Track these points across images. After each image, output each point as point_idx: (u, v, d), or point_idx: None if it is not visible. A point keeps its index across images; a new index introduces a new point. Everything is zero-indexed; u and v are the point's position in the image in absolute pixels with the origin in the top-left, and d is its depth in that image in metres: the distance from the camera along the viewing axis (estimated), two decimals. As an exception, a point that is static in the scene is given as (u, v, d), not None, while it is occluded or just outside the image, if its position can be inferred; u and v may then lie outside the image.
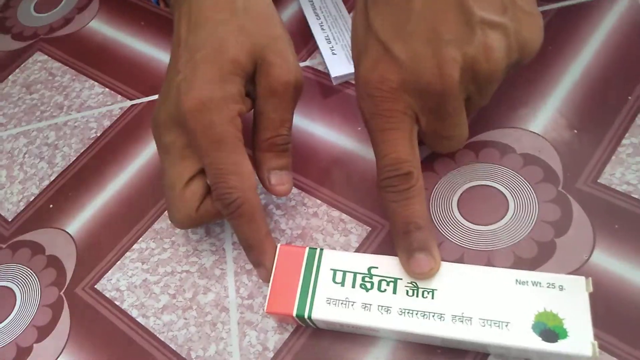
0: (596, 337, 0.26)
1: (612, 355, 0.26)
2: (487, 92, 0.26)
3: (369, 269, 0.27)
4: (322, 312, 0.26)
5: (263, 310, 0.30)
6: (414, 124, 0.26)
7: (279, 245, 0.28)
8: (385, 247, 0.30)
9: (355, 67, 0.28)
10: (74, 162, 0.38)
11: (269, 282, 0.28)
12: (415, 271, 0.26)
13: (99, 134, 0.39)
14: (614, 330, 0.26)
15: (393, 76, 0.25)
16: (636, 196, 0.29)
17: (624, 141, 0.31)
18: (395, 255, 0.29)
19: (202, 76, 0.27)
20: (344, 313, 0.26)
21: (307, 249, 0.28)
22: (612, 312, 0.27)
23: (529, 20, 0.25)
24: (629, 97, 0.33)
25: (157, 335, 0.30)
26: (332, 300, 0.26)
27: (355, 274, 0.27)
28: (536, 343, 0.24)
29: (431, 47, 0.24)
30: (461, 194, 0.31)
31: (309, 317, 0.26)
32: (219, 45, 0.28)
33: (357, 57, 0.27)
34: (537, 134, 0.32)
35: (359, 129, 0.35)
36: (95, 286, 0.33)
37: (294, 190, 0.33)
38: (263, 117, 0.29)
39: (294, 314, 0.26)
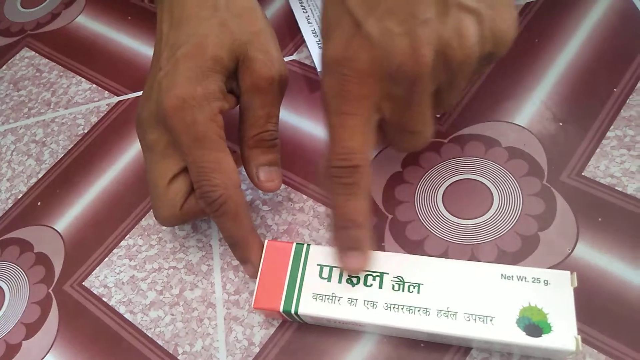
0: (578, 329, 0.26)
1: (593, 348, 0.26)
2: (457, 84, 0.25)
3: None
4: (309, 307, 0.26)
5: (249, 305, 0.30)
6: (375, 113, 0.25)
7: (266, 241, 0.28)
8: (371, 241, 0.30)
9: (323, 42, 0.26)
10: (61, 159, 0.38)
11: (256, 277, 0.28)
12: (345, 267, 0.26)
13: (86, 131, 0.39)
14: (596, 322, 0.26)
15: (363, 55, 0.24)
16: (620, 189, 0.29)
17: (608, 134, 0.31)
18: (382, 250, 0.30)
19: (183, 73, 0.27)
20: (330, 308, 0.26)
21: (294, 244, 0.28)
22: (594, 304, 0.27)
23: (504, 11, 0.24)
24: (615, 89, 0.32)
25: (144, 332, 0.30)
26: (318, 295, 0.26)
27: (342, 269, 0.27)
28: (520, 338, 0.24)
29: (406, 25, 0.23)
30: (446, 188, 0.31)
31: (296, 313, 0.26)
32: (200, 42, 0.27)
33: (326, 32, 0.26)
34: (523, 127, 0.32)
35: (345, 123, 0.35)
36: (83, 283, 0.33)
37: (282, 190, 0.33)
38: (249, 113, 0.29)
39: (281, 310, 0.27)
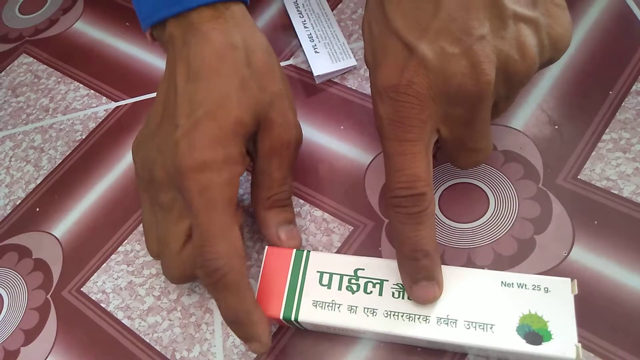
0: (578, 336, 0.26)
1: (590, 352, 0.26)
2: (515, 94, 0.24)
3: (355, 270, 0.27)
4: (309, 314, 0.26)
5: (246, 310, 0.30)
6: (433, 136, 0.24)
7: (266, 247, 0.28)
8: (367, 246, 0.31)
9: (370, 67, 0.25)
10: (59, 165, 0.38)
11: (264, 353, 0.27)
12: (418, 299, 0.25)
13: (84, 137, 0.39)
14: (592, 325, 0.26)
15: (420, 79, 0.23)
16: (615, 192, 0.29)
17: (604, 136, 0.31)
18: (378, 255, 0.30)
19: (204, 135, 0.26)
20: (330, 315, 0.26)
21: (294, 251, 0.28)
22: (590, 308, 0.27)
23: (560, 16, 0.23)
24: (610, 92, 0.32)
25: (142, 337, 0.30)
26: (318, 302, 0.26)
27: (341, 276, 0.27)
28: (520, 345, 0.24)
29: (461, 44, 0.22)
30: (442, 192, 0.31)
31: (296, 320, 0.26)
32: (222, 102, 0.26)
33: (374, 57, 0.25)
34: (518, 130, 0.32)
35: (342, 128, 0.35)
36: (82, 289, 0.33)
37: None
38: (265, 176, 0.29)
39: (281, 317, 0.27)
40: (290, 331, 0.29)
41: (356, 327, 0.26)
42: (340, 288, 0.27)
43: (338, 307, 0.26)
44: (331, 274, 0.27)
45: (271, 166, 0.28)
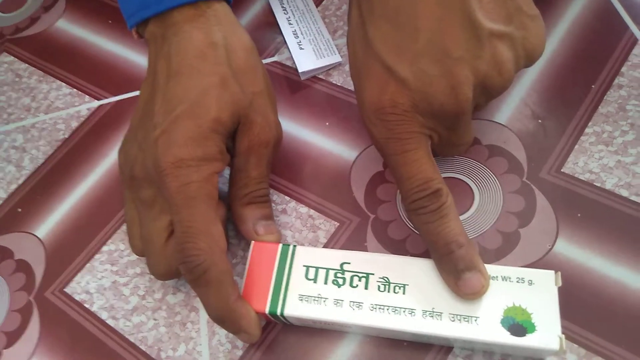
0: (562, 327, 0.26)
1: (574, 343, 0.26)
2: (493, 98, 0.26)
3: (342, 264, 0.27)
4: (295, 309, 0.26)
5: (232, 308, 0.30)
6: (429, 140, 0.25)
7: (252, 243, 0.28)
8: (354, 242, 0.30)
9: (356, 88, 0.26)
10: (42, 165, 0.38)
11: (255, 342, 0.27)
12: (467, 292, 0.24)
13: (67, 136, 0.39)
14: (576, 317, 0.27)
15: (403, 99, 0.24)
16: (598, 184, 0.30)
17: (587, 130, 0.31)
18: (364, 249, 0.30)
19: (182, 133, 0.26)
20: (316, 309, 0.26)
21: (281, 245, 0.28)
22: (574, 299, 0.27)
23: (534, 25, 0.24)
24: (592, 86, 0.33)
25: (127, 337, 0.30)
26: (304, 297, 0.26)
27: (327, 270, 0.27)
28: (504, 337, 0.24)
29: (440, 66, 0.23)
30: (427, 187, 0.31)
31: (282, 314, 0.26)
32: (201, 101, 0.26)
33: (358, 78, 0.26)
34: (503, 124, 0.33)
35: (327, 124, 0.35)
36: (65, 289, 0.32)
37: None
38: (242, 174, 0.29)
39: (267, 312, 0.26)
40: (276, 328, 0.29)
41: (342, 320, 0.26)
42: (326, 282, 0.27)
43: (324, 301, 0.26)
44: (317, 268, 0.27)
45: (249, 165, 0.28)
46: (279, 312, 0.26)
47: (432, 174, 0.25)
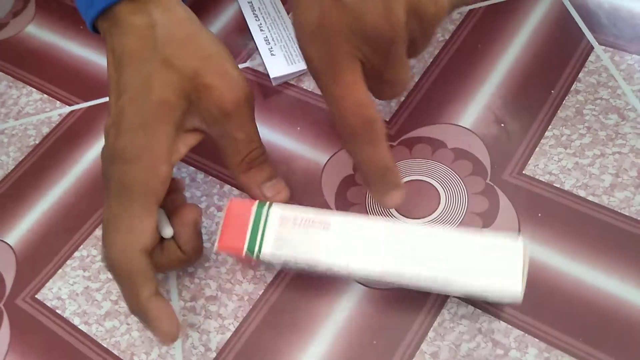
0: (519, 319, 0.28)
1: (533, 337, 0.27)
2: (429, 34, 0.26)
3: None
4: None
5: (205, 311, 0.30)
6: (360, 66, 0.26)
7: (229, 200, 0.28)
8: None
9: (294, 11, 0.26)
10: (12, 171, 0.37)
11: (171, 343, 0.26)
12: (391, 205, 0.28)
13: (37, 142, 0.38)
14: (535, 312, 0.28)
15: (338, 17, 0.24)
16: (558, 185, 0.31)
17: (547, 133, 0.33)
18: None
19: (126, 124, 0.26)
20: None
21: (256, 202, 0.28)
22: (534, 295, 0.28)
23: None
24: (552, 91, 0.34)
25: (100, 342, 0.30)
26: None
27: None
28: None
29: None
30: (396, 190, 0.32)
31: (259, 253, 0.26)
32: (143, 85, 0.27)
33: (297, 0, 0.26)
34: (467, 128, 0.34)
35: (299, 129, 0.36)
36: (36, 296, 0.32)
37: (235, 191, 0.34)
38: (227, 141, 0.28)
39: (245, 248, 0.26)
40: (248, 330, 0.29)
41: (323, 260, 0.26)
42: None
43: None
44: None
45: (230, 128, 0.28)
46: (256, 250, 0.26)
47: (365, 99, 0.25)
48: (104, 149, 0.28)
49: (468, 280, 0.25)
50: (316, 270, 0.27)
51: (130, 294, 0.26)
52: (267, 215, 0.27)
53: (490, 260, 0.25)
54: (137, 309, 0.26)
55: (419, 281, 0.26)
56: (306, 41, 0.25)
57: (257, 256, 0.27)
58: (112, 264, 0.26)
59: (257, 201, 0.28)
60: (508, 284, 0.25)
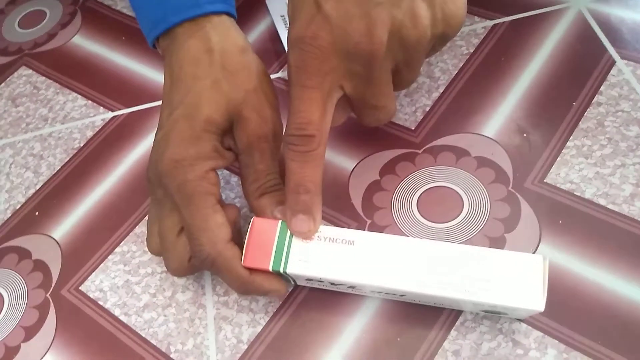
0: (541, 323, 0.29)
1: (553, 339, 0.28)
2: (414, 62, 0.28)
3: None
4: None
5: (238, 305, 0.32)
6: (335, 90, 0.27)
7: (253, 219, 0.29)
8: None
9: (289, 24, 0.28)
10: (58, 171, 0.40)
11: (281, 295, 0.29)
12: (293, 229, 0.28)
13: (82, 145, 0.41)
14: (557, 316, 0.29)
15: (324, 34, 0.26)
16: (578, 194, 0.32)
17: (568, 143, 0.34)
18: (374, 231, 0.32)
19: (177, 135, 0.29)
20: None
21: (280, 221, 0.29)
22: (555, 299, 0.29)
23: None
24: (574, 103, 0.35)
25: (139, 332, 0.32)
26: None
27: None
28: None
29: (361, 8, 0.25)
30: (420, 195, 0.34)
31: (285, 271, 0.28)
32: (194, 103, 0.29)
33: (292, 14, 0.28)
34: (491, 138, 0.35)
35: (328, 136, 0.37)
36: (80, 287, 0.34)
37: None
38: (249, 169, 0.30)
39: (270, 268, 0.28)
40: (278, 324, 0.31)
41: (348, 278, 0.27)
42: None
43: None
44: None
45: (254, 159, 0.30)
46: (281, 269, 0.28)
47: (317, 118, 0.27)
48: (152, 158, 0.30)
49: (489, 299, 0.26)
50: (340, 287, 0.29)
51: (233, 278, 0.28)
52: (290, 238, 0.28)
53: (511, 277, 0.26)
54: (244, 287, 0.28)
55: (442, 300, 0.27)
56: (291, 47, 0.27)
57: (283, 274, 0.28)
58: (210, 261, 0.28)
59: (279, 222, 0.29)
60: (529, 302, 0.25)
